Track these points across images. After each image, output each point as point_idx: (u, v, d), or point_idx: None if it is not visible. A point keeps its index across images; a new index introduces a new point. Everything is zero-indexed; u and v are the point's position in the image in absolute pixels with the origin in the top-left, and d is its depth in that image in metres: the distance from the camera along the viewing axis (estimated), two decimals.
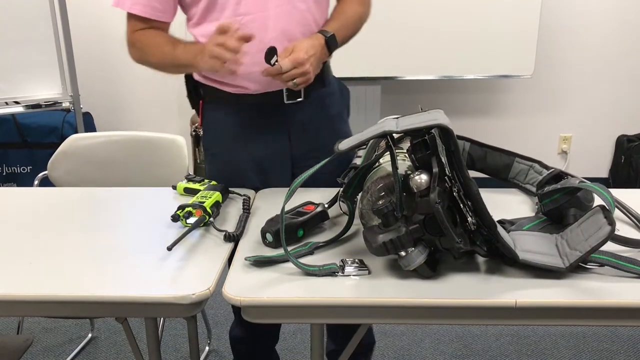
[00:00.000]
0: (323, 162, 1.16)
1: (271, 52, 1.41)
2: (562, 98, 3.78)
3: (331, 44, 1.54)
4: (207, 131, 1.67)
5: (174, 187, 1.56)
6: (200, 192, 1.43)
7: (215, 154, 1.68)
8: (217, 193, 1.42)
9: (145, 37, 1.56)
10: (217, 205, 1.39)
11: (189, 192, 1.52)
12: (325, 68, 1.65)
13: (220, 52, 1.34)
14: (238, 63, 1.37)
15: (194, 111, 1.69)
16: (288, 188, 1.14)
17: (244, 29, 1.42)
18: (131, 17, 1.57)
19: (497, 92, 3.77)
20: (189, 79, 1.66)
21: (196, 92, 1.65)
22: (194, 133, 1.68)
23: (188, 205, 1.34)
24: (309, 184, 1.18)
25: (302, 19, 1.55)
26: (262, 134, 1.62)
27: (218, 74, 1.55)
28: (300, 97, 1.60)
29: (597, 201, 1.20)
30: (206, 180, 1.54)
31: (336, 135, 1.45)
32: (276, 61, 1.42)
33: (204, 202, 1.35)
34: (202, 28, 1.55)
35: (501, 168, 1.48)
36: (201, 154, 1.68)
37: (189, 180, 1.55)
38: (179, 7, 1.59)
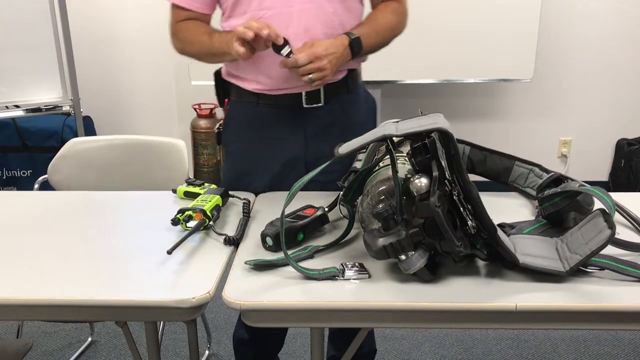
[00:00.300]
0: (322, 166, 1.16)
1: (279, 45, 1.43)
2: (562, 102, 3.78)
3: (355, 46, 1.53)
4: (226, 128, 1.70)
5: (174, 191, 1.56)
6: (201, 196, 1.43)
7: (231, 152, 1.70)
8: (217, 197, 1.42)
9: (186, 27, 1.61)
10: (217, 208, 1.39)
11: (189, 195, 1.52)
12: (352, 74, 1.65)
13: (245, 31, 1.37)
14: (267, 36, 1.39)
15: (194, 115, 1.70)
16: (288, 192, 1.14)
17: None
18: (174, 8, 1.62)
19: (496, 95, 3.78)
20: (217, 77, 1.70)
21: (223, 89, 1.68)
22: (217, 130, 1.71)
23: (188, 209, 1.34)
24: (309, 187, 1.18)
25: (327, 20, 1.54)
26: (278, 135, 1.63)
27: (242, 66, 1.59)
28: (320, 102, 1.60)
29: (597, 205, 1.20)
30: (206, 184, 1.54)
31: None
32: (289, 53, 1.43)
33: (204, 206, 1.35)
34: (230, 22, 1.57)
35: (501, 172, 1.48)
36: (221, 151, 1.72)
37: (189, 184, 1.55)
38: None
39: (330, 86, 1.59)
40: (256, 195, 1.58)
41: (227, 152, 1.71)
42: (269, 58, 1.51)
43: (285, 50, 1.44)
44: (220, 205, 1.43)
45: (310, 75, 1.44)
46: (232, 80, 1.65)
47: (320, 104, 1.60)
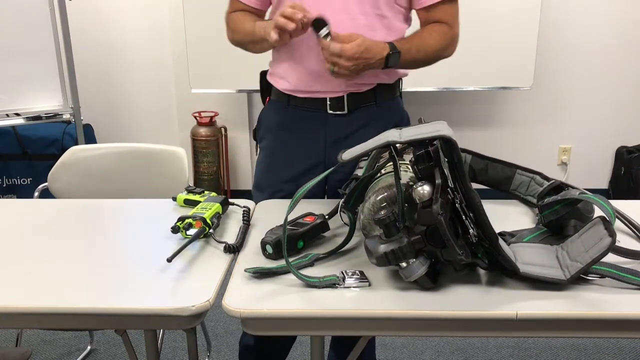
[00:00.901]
0: (325, 173, 1.16)
1: (320, 23, 1.46)
2: (562, 109, 3.78)
3: (392, 60, 1.52)
4: (259, 125, 1.77)
5: (174, 199, 1.56)
6: (201, 204, 1.43)
7: (262, 148, 1.76)
8: (217, 204, 1.42)
9: (235, 17, 1.69)
10: (217, 216, 1.39)
11: (189, 203, 1.52)
12: (382, 87, 1.65)
13: (284, 22, 1.42)
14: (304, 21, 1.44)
15: (194, 123, 1.73)
16: (289, 200, 1.14)
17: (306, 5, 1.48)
18: (234, 3, 1.70)
19: (496, 103, 3.78)
20: (262, 77, 1.75)
21: (267, 89, 1.74)
22: (254, 129, 1.79)
23: (188, 217, 1.34)
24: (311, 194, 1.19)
25: (357, 32, 1.50)
26: (301, 137, 1.67)
27: (276, 62, 1.67)
28: (344, 110, 1.63)
29: (598, 212, 1.19)
30: (206, 192, 1.54)
31: None
32: (328, 34, 1.46)
33: (204, 214, 1.35)
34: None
35: (502, 180, 1.48)
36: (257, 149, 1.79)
37: (189, 191, 1.55)
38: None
39: (355, 96, 1.62)
40: (256, 203, 1.58)
41: (260, 147, 1.77)
42: (298, 57, 1.58)
43: (323, 31, 1.47)
44: (221, 212, 1.43)
45: (334, 67, 1.48)
46: (271, 81, 1.71)
47: (344, 112, 1.62)
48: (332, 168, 1.18)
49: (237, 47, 1.71)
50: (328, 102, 1.62)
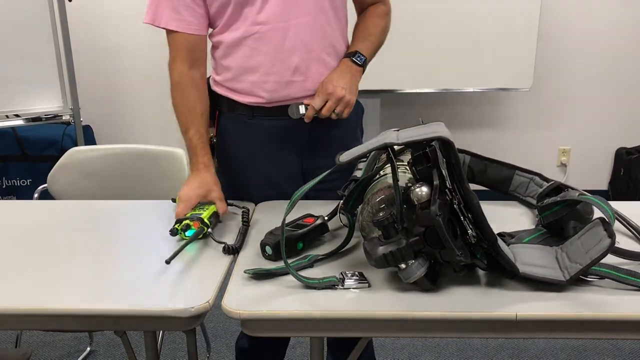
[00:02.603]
0: (323, 175, 1.16)
1: (292, 109, 1.52)
2: (561, 111, 3.78)
3: (358, 61, 1.59)
4: (220, 141, 1.69)
5: (174, 200, 1.56)
6: (199, 205, 1.42)
7: (227, 165, 1.69)
8: (214, 205, 1.42)
9: (182, 95, 1.57)
10: (215, 215, 1.39)
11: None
12: None
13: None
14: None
15: None
16: (288, 201, 1.14)
17: (262, 38, 1.50)
18: (169, 35, 1.56)
19: (496, 105, 3.78)
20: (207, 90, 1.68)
21: (213, 102, 1.66)
22: (211, 142, 1.71)
23: (185, 218, 1.34)
24: (309, 196, 1.18)
25: (322, 32, 1.56)
26: (273, 147, 1.63)
27: (237, 81, 1.59)
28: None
29: (597, 214, 1.19)
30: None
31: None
32: (305, 107, 1.52)
33: (201, 214, 1.35)
34: (223, 36, 1.56)
35: (502, 181, 1.48)
36: (216, 163, 1.72)
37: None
38: None
39: None
40: (256, 205, 1.58)
41: (224, 165, 1.70)
42: (264, 73, 1.54)
43: (302, 109, 1.52)
44: (219, 212, 1.43)
45: (336, 110, 1.50)
46: (224, 93, 1.63)
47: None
48: (331, 169, 1.18)
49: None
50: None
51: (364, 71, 1.61)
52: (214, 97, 1.65)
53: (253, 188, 1.63)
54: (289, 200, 1.15)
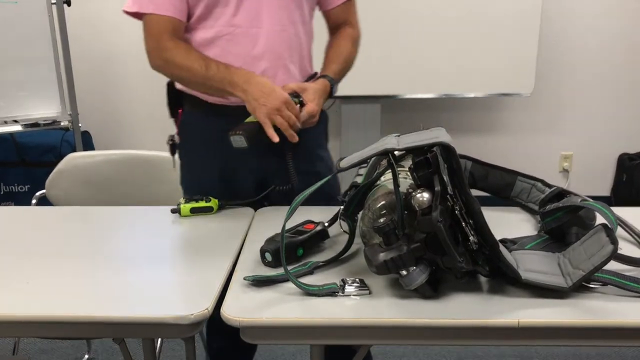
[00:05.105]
0: (324, 180, 1.16)
1: (235, 140, 1.48)
2: (563, 116, 3.78)
3: (334, 87, 1.64)
4: (183, 140, 1.69)
5: (173, 211, 1.53)
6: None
7: (189, 163, 1.70)
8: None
9: (175, 49, 1.55)
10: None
11: (197, 211, 1.51)
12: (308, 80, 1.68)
13: (282, 123, 1.45)
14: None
15: None
16: (287, 207, 1.13)
17: (234, 40, 1.52)
18: (151, 18, 1.55)
19: (497, 110, 3.78)
20: (170, 87, 1.69)
21: (176, 100, 1.67)
22: (170, 142, 1.70)
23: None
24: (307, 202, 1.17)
25: (291, 42, 1.60)
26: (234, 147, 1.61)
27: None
28: None
29: (599, 220, 1.19)
30: (210, 198, 1.53)
31: (311, 159, 1.66)
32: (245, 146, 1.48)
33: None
34: (197, 34, 1.58)
35: (503, 187, 1.48)
36: (177, 163, 1.71)
37: (189, 200, 1.53)
38: None
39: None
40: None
41: (186, 163, 1.71)
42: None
43: (242, 141, 1.50)
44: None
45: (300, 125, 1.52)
46: (189, 91, 1.64)
47: None
48: (333, 174, 1.17)
49: (169, 77, 1.63)
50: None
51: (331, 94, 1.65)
52: (177, 95, 1.67)
53: (215, 184, 1.63)
54: (285, 206, 1.14)
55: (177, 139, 1.69)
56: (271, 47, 1.57)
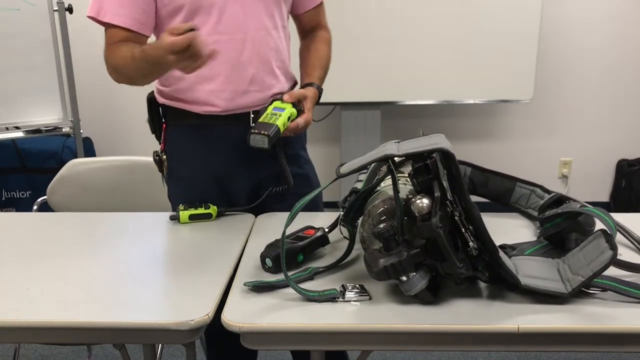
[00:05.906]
0: (325, 185, 1.16)
1: (255, 139, 1.46)
2: (562, 122, 3.79)
3: (320, 92, 1.66)
4: (171, 154, 1.66)
5: (172, 218, 1.53)
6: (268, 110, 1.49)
7: (180, 177, 1.66)
8: (289, 106, 1.50)
9: (117, 51, 1.49)
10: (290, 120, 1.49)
11: (196, 218, 1.51)
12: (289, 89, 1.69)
13: (184, 65, 1.29)
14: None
15: None
16: (287, 213, 1.13)
17: (221, 48, 1.45)
18: (110, 29, 1.50)
19: (496, 116, 3.78)
20: (151, 102, 1.69)
21: (159, 115, 1.67)
22: (157, 158, 1.67)
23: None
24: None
25: (275, 46, 1.60)
26: (224, 155, 1.61)
27: (191, 90, 1.57)
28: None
29: (599, 225, 1.19)
30: (209, 205, 1.53)
31: (298, 162, 1.68)
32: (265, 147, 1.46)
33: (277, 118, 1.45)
34: None
35: (503, 193, 1.48)
36: (164, 178, 1.69)
37: (188, 207, 1.53)
38: None
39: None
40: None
41: (177, 177, 1.67)
42: (222, 82, 1.54)
43: (262, 141, 1.48)
44: (294, 117, 1.50)
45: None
46: (173, 104, 1.62)
47: None
48: (333, 180, 1.17)
49: (125, 83, 1.56)
50: (252, 116, 1.58)
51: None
52: (158, 110, 1.67)
53: (205, 195, 1.60)
54: (284, 212, 1.14)
55: (162, 156, 1.66)
56: (258, 52, 1.56)
